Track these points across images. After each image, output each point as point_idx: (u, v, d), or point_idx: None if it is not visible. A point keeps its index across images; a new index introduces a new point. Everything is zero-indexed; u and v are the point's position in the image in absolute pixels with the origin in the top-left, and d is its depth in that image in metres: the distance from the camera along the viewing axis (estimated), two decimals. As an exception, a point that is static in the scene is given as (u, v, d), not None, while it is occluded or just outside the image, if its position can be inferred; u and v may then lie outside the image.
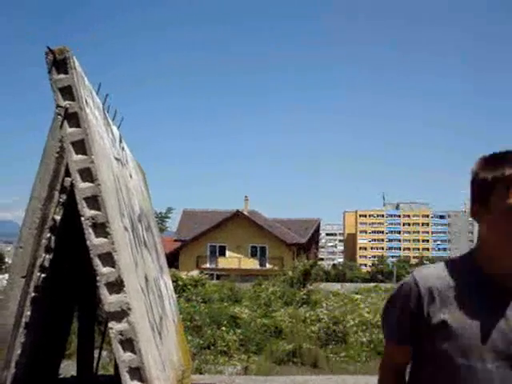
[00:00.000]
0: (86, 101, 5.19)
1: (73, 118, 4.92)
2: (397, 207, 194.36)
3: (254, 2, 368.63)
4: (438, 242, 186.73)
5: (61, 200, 6.26)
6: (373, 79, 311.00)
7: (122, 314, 4.77)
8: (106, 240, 4.83)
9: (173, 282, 13.18)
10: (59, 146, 5.94)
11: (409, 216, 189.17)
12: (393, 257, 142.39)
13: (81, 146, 4.92)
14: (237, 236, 56.88)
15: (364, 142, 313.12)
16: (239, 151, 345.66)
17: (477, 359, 2.03)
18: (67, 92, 4.93)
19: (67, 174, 5.93)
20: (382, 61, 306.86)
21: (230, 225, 56.87)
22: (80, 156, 4.92)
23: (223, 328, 16.11)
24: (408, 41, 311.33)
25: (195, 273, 30.73)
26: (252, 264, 57.66)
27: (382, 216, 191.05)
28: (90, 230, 4.85)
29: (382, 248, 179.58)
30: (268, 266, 57.40)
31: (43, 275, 6.20)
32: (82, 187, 4.89)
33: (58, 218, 6.28)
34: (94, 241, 4.84)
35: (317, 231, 68.39)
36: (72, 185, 5.18)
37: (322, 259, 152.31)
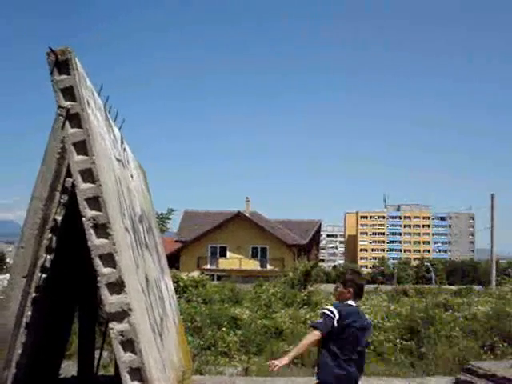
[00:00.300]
0: (88, 102, 5.20)
1: (74, 119, 4.93)
2: (398, 209, 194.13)
3: (255, 4, 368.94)
4: (439, 244, 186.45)
5: (62, 200, 6.27)
6: (374, 81, 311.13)
7: (122, 315, 4.77)
8: (106, 241, 4.84)
9: (173, 282, 13.20)
10: (61, 146, 5.94)
11: (410, 217, 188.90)
12: (393, 258, 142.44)
13: (82, 147, 4.92)
14: (238, 237, 56.81)
15: (365, 144, 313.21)
16: (241, 152, 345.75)
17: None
18: (69, 93, 4.93)
19: (68, 174, 5.93)
20: (384, 63, 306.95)
21: (230, 226, 56.82)
22: (81, 157, 4.93)
23: (224, 329, 16.08)
24: (408, 42, 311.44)
25: (196, 274, 30.70)
26: (253, 265, 57.60)
27: (383, 217, 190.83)
28: (91, 231, 4.86)
29: (383, 249, 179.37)
30: (269, 267, 57.35)
31: (44, 275, 6.21)
32: (84, 188, 4.90)
33: (59, 218, 6.28)
34: (95, 241, 4.84)
35: (318, 232, 68.33)
36: (73, 185, 5.19)
37: (323, 260, 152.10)
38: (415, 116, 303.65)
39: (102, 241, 4.84)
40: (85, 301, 8.65)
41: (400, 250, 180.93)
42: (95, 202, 4.87)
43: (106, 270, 4.80)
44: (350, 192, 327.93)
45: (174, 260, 49.21)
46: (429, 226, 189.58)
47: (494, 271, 43.92)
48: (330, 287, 33.83)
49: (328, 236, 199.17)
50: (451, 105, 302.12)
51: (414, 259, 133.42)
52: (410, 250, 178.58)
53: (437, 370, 12.85)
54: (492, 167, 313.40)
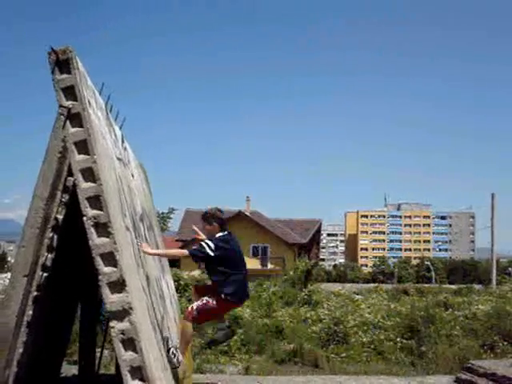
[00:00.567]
0: (89, 101, 5.20)
1: (75, 118, 4.93)
2: (398, 208, 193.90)
3: (256, 8, 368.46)
4: (439, 243, 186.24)
5: (63, 200, 6.28)
6: (374, 83, 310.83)
7: (123, 314, 4.78)
8: (107, 240, 4.85)
9: (174, 281, 13.21)
10: (62, 145, 5.96)
11: (410, 217, 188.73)
12: (394, 257, 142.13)
13: (83, 146, 4.93)
14: (238, 236, 56.29)
15: (366, 143, 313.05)
16: (242, 152, 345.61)
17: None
18: (70, 92, 4.94)
19: (70, 173, 5.94)
20: (383, 64, 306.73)
21: (231, 225, 56.68)
22: (82, 156, 4.94)
23: (224, 328, 16.14)
24: (407, 44, 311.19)
25: (197, 272, 30.66)
26: (253, 264, 57.54)
27: (384, 217, 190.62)
28: (92, 230, 4.87)
29: (383, 249, 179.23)
30: (269, 266, 57.36)
31: (45, 274, 6.22)
32: (85, 187, 4.90)
33: (60, 217, 6.30)
34: (96, 240, 4.85)
35: (318, 232, 68.30)
36: (74, 184, 5.19)
37: (323, 260, 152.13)
38: (415, 116, 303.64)
39: (103, 240, 4.85)
40: (86, 300, 8.67)
41: (400, 249, 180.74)
42: (96, 201, 4.87)
43: (106, 269, 4.81)
44: (351, 191, 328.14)
45: (174, 259, 49.19)
46: (429, 225, 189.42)
47: (494, 270, 43.90)
48: (331, 286, 33.88)
49: (328, 235, 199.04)
50: (452, 105, 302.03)
51: (415, 258, 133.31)
52: (410, 249, 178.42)
53: (437, 369, 12.87)
54: (492, 167, 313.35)
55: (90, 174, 4.90)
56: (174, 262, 44.89)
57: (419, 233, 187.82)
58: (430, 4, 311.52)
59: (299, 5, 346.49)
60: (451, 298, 21.59)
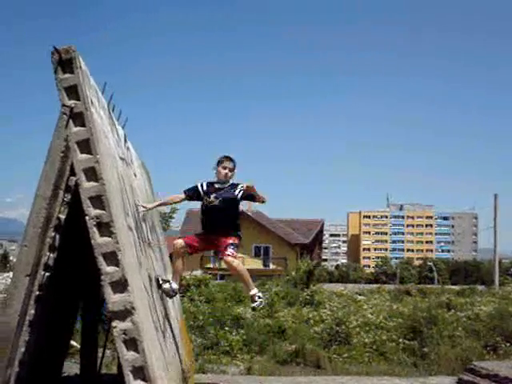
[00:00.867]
0: (92, 100, 5.20)
1: (78, 118, 4.93)
2: (401, 208, 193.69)
3: (257, 10, 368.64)
4: (442, 244, 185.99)
5: (65, 199, 6.28)
6: (377, 83, 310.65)
7: (125, 314, 4.77)
8: (110, 239, 4.84)
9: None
10: (64, 145, 5.95)
11: (412, 217, 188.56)
12: (396, 258, 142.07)
13: (86, 146, 4.92)
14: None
15: (368, 144, 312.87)
16: (243, 152, 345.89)
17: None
18: (73, 91, 4.93)
19: (72, 173, 5.94)
20: (388, 65, 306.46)
21: (233, 225, 56.87)
22: (85, 155, 4.93)
23: (226, 328, 16.10)
24: (410, 44, 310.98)
25: (199, 272, 30.68)
26: (255, 264, 57.56)
27: (386, 217, 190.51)
28: (95, 229, 4.86)
29: (386, 249, 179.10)
30: (271, 266, 57.36)
31: (47, 274, 6.22)
32: (87, 186, 4.90)
33: (62, 217, 6.29)
34: (98, 240, 4.84)
35: (320, 232, 68.28)
36: (77, 184, 5.19)
37: (326, 260, 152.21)
38: (418, 117, 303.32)
39: (106, 239, 4.84)
40: (88, 299, 8.67)
41: (403, 250, 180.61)
42: (99, 200, 4.87)
43: (109, 269, 4.80)
44: (353, 191, 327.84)
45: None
46: (432, 225, 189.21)
47: (497, 271, 43.89)
48: (333, 287, 33.87)
49: (331, 235, 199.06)
50: (455, 106, 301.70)
51: (417, 259, 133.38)
52: (412, 250, 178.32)
53: (439, 370, 12.85)
54: (495, 167, 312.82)
55: (92, 174, 4.89)
56: (177, 262, 44.94)
57: (422, 233, 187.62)
58: (430, 5, 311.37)
59: (297, 5, 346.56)
60: (454, 299, 21.55)
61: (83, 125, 4.91)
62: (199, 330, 16.21)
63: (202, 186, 6.91)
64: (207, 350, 14.75)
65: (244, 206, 58.75)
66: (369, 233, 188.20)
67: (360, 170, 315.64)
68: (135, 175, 7.65)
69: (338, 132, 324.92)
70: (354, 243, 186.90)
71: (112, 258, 4.81)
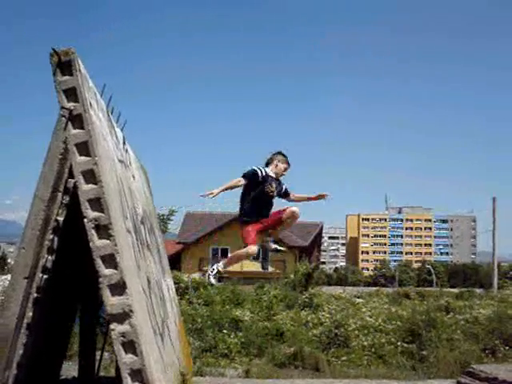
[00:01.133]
0: (91, 103, 5.19)
1: (77, 120, 4.93)
2: (399, 211, 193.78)
3: (257, 12, 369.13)
4: (441, 247, 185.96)
5: (64, 201, 6.27)
6: (375, 85, 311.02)
7: (124, 316, 4.76)
8: (108, 242, 4.83)
9: (174, 284, 13.18)
10: (63, 147, 5.94)
11: (411, 220, 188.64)
12: (395, 261, 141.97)
13: (84, 148, 4.92)
14: (239, 239, 56.60)
15: (367, 147, 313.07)
16: (242, 154, 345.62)
17: None
18: (71, 94, 4.93)
19: (71, 175, 5.93)
20: (386, 68, 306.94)
21: (232, 227, 56.74)
22: (84, 158, 4.93)
23: (225, 331, 16.06)
24: (408, 48, 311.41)
25: (197, 275, 30.63)
26: (254, 267, 57.43)
27: (385, 220, 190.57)
28: (93, 232, 4.85)
29: (385, 252, 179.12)
30: (270, 268, 57.28)
31: (46, 276, 6.20)
32: (86, 189, 4.89)
33: (61, 219, 6.28)
34: (96, 242, 4.84)
35: (319, 234, 68.22)
36: (75, 186, 5.18)
37: (324, 263, 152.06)
38: (417, 120, 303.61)
39: (104, 242, 4.83)
40: (86, 302, 8.65)
41: (401, 253, 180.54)
42: (97, 203, 4.86)
43: (107, 272, 4.80)
44: (352, 194, 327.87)
45: (175, 261, 49.21)
46: (430, 228, 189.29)
47: (495, 274, 43.87)
48: (332, 289, 33.83)
49: (330, 238, 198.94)
50: (453, 109, 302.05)
51: (416, 262, 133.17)
52: (411, 253, 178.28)
53: (438, 373, 12.83)
54: (494, 170, 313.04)
55: (91, 176, 4.89)
56: (175, 265, 44.94)
57: (420, 236, 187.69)
58: (433, 8, 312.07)
59: (294, 6, 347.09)
60: (452, 302, 21.51)
61: (82, 127, 4.91)
62: (197, 333, 16.17)
63: (261, 172, 7.09)
64: (205, 353, 14.73)
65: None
66: (367, 236, 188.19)
67: (359, 172, 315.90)
68: (134, 177, 7.64)
69: (338, 135, 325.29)
70: (352, 246, 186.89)
71: (110, 260, 4.81)
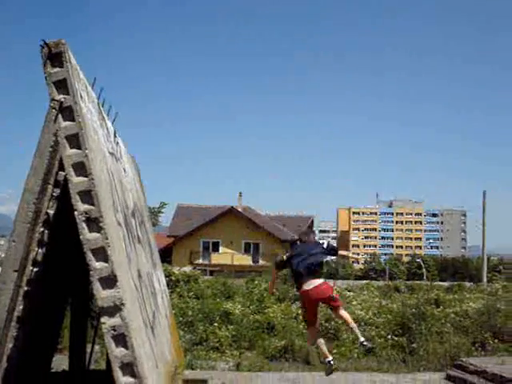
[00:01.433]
0: (81, 95, 5.16)
1: (67, 112, 4.89)
2: (390, 205, 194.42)
3: (257, 10, 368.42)
4: (431, 240, 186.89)
5: (54, 194, 6.24)
6: (365, 80, 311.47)
7: (114, 309, 4.75)
8: (99, 235, 4.81)
9: (165, 277, 13.18)
10: (53, 139, 5.91)
11: (402, 214, 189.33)
12: (385, 254, 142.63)
13: (75, 141, 4.89)
14: (230, 232, 56.87)
15: (358, 140, 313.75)
16: (234, 147, 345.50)
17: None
18: (62, 85, 4.89)
19: (61, 168, 5.90)
20: (377, 63, 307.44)
21: (223, 221, 56.87)
22: (74, 150, 4.90)
23: (215, 324, 16.09)
24: (404, 45, 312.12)
25: (188, 268, 30.63)
26: (245, 260, 57.63)
27: (375, 213, 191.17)
28: (84, 225, 4.83)
29: (375, 245, 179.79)
30: (261, 262, 57.42)
31: (36, 269, 6.17)
32: (76, 181, 4.87)
33: (51, 212, 6.25)
34: (87, 235, 4.82)
35: (310, 228, 68.51)
36: (66, 179, 5.16)
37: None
38: (408, 114, 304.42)
39: (95, 235, 4.81)
40: (77, 295, 8.63)
41: (392, 246, 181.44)
42: (88, 195, 4.84)
43: (98, 265, 4.78)
44: (343, 188, 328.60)
45: (166, 254, 49.18)
46: (421, 222, 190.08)
47: (485, 268, 44.19)
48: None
49: (320, 231, 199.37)
50: (444, 103, 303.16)
51: (406, 255, 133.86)
52: (401, 247, 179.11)
53: (428, 366, 12.92)
54: (484, 165, 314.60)
55: (81, 169, 4.86)
56: (166, 258, 44.90)
57: (411, 230, 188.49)
58: (433, 5, 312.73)
59: (291, 5, 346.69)
60: (442, 296, 21.61)
61: (72, 119, 4.88)
62: (188, 326, 16.20)
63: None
64: (196, 346, 14.75)
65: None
66: (358, 229, 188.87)
67: (349, 166, 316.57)
68: (125, 170, 7.61)
69: (328, 128, 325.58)
70: (343, 239, 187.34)
71: (101, 253, 4.79)
